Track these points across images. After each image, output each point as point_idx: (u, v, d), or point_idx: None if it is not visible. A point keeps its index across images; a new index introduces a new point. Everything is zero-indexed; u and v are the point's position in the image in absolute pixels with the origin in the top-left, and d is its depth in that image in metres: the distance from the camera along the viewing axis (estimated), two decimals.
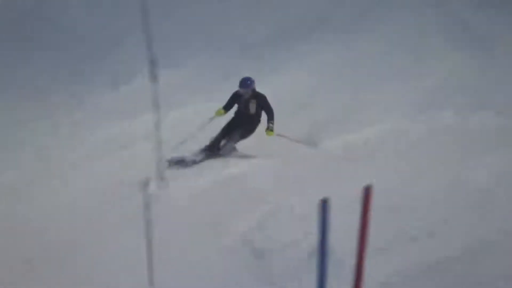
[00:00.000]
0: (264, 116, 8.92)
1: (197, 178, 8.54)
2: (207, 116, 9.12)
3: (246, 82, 8.70)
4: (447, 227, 6.88)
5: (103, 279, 6.09)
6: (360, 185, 1.80)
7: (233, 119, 8.96)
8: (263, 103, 8.74)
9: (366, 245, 1.77)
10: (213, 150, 8.82)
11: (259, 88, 9.01)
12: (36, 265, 6.35)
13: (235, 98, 8.80)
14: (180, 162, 8.65)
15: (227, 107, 8.81)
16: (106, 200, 8.02)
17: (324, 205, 1.84)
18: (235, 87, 9.02)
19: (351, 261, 1.93)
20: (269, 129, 8.63)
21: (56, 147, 9.36)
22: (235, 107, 8.98)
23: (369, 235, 1.79)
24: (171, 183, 8.23)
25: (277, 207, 7.83)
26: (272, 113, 8.68)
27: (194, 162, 8.74)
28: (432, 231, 6.74)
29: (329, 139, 9.52)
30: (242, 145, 9.24)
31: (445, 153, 9.00)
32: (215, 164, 8.98)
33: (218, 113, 8.75)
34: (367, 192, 1.71)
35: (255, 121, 8.86)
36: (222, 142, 8.84)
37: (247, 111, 8.77)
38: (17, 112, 10.39)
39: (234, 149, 8.96)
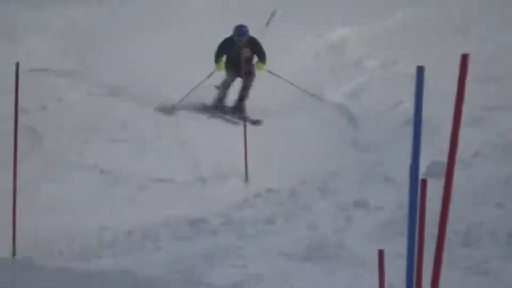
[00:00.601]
0: None
1: (296, 49, 8.71)
2: None
3: (242, 29, 8.13)
4: None
5: None
6: (457, 54, 1.83)
7: (229, 71, 8.33)
8: (256, 47, 8.17)
9: (461, 114, 1.84)
10: (219, 107, 8.30)
11: None
12: None
13: (225, 47, 8.19)
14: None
15: (219, 57, 8.18)
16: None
17: (419, 72, 1.90)
18: None
19: (446, 130, 2.00)
20: (261, 63, 8.14)
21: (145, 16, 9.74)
22: None
23: (464, 104, 1.84)
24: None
25: (372, 77, 7.85)
26: (264, 55, 8.13)
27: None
28: None
29: (425, 6, 9.30)
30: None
31: None
32: (309, 36, 9.00)
33: (218, 68, 8.17)
34: (464, 61, 1.75)
35: (251, 65, 8.24)
36: (233, 103, 8.31)
37: (241, 58, 8.00)
38: None
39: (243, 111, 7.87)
